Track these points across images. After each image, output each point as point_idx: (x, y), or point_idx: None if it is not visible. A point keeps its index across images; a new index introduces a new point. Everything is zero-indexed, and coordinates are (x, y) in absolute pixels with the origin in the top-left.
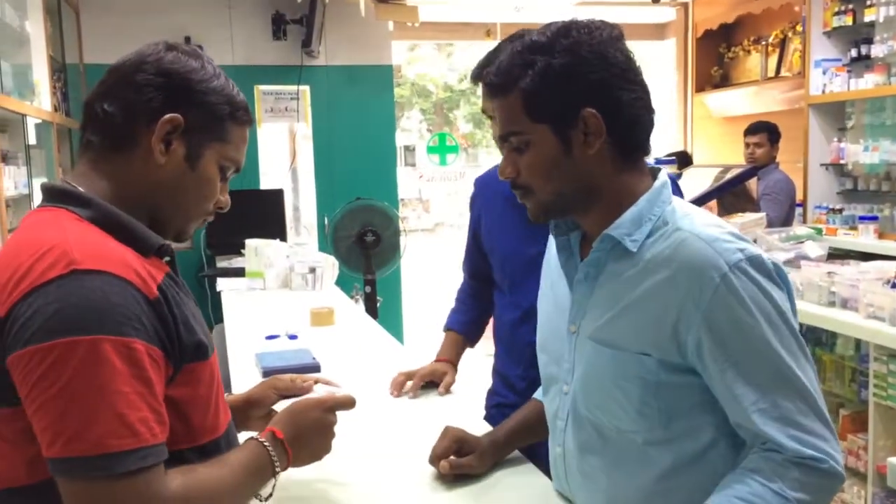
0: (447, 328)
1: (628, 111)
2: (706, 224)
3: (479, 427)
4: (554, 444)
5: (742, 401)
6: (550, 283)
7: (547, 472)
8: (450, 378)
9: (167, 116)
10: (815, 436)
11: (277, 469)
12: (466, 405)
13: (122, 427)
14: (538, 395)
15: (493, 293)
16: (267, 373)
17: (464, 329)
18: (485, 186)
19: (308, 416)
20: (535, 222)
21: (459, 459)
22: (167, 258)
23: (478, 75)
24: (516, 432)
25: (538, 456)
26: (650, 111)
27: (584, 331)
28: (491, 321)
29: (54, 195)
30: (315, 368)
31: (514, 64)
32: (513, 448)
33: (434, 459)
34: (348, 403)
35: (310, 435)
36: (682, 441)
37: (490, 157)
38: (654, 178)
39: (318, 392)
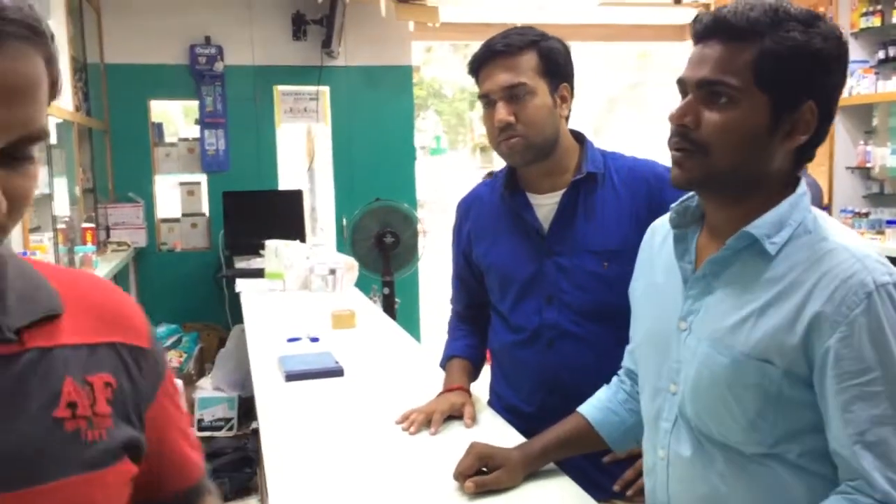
0: (449, 356)
1: (830, 121)
2: (854, 239)
3: (509, 438)
4: (656, 446)
5: (850, 426)
6: (651, 275)
7: (577, 481)
8: (470, 408)
9: None
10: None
11: None
12: (493, 416)
13: None
14: (585, 408)
15: (490, 317)
16: (290, 377)
17: (468, 353)
18: (471, 207)
19: None
20: (678, 186)
21: (485, 477)
22: None
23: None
24: (554, 446)
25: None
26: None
27: (699, 330)
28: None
29: None
30: (338, 372)
31: (766, 22)
32: (547, 461)
33: (458, 477)
34: None
35: None
36: (791, 461)
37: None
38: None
39: None
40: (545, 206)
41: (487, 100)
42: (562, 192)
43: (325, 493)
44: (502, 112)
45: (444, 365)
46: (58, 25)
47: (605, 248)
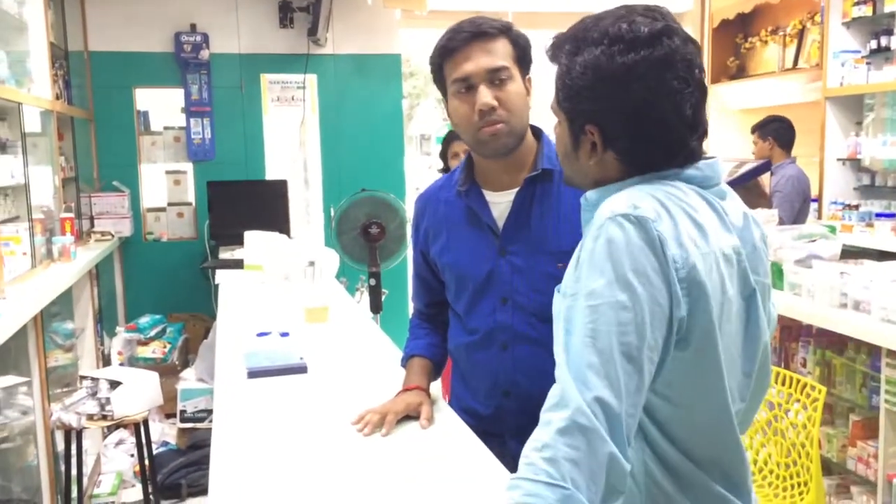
0: (409, 355)
1: (633, 129)
2: (630, 192)
3: (466, 439)
4: None
5: (558, 340)
6: None
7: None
8: (427, 408)
9: None
10: (560, 382)
11: None
12: (451, 416)
13: None
14: None
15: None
16: (252, 373)
17: (429, 352)
18: (429, 202)
19: None
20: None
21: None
22: None
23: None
24: None
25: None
26: (661, 125)
27: None
28: None
29: None
30: (301, 370)
31: (563, 41)
32: None
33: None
34: None
35: None
36: None
37: None
38: None
39: None
40: (500, 203)
41: (467, 84)
42: (517, 189)
43: (268, 495)
44: (487, 95)
45: (404, 364)
46: (35, 11)
47: (559, 249)
